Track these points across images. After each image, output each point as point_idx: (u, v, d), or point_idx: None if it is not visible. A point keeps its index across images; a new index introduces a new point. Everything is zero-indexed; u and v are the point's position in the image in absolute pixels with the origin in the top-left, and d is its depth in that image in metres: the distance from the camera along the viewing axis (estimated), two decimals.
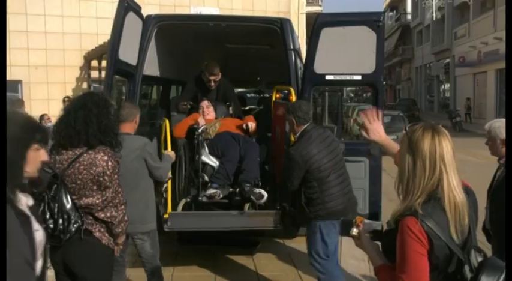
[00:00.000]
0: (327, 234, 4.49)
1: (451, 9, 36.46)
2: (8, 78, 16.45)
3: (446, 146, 2.03)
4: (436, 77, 42.47)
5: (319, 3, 26.21)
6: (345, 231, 2.33)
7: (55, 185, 3.03)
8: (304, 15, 21.56)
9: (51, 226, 2.96)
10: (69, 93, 16.43)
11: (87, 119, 3.14)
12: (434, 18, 35.06)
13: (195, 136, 5.55)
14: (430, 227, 1.94)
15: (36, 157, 2.09)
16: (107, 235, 3.22)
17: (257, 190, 5.24)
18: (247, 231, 5.49)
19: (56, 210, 2.98)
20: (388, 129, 15.50)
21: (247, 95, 11.79)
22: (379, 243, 2.27)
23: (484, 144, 3.85)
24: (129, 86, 5.65)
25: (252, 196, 5.19)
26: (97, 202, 3.14)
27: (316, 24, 5.29)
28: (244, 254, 6.32)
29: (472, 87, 32.00)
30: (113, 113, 3.29)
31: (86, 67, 17.48)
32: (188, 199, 5.46)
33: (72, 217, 3.02)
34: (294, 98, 5.37)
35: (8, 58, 16.51)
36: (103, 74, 13.79)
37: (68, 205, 3.02)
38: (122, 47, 5.08)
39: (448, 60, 38.01)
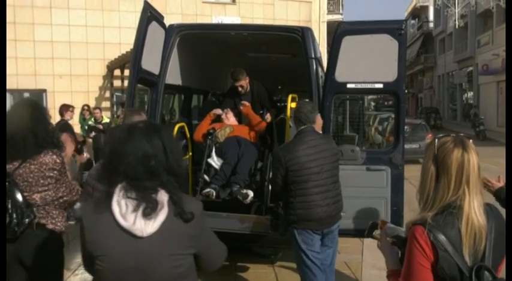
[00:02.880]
0: (303, 242, 4.40)
1: (474, 17, 36.07)
2: (33, 87, 16.80)
3: (473, 166, 1.99)
4: (459, 85, 41.97)
5: (340, 11, 26.19)
6: (370, 233, 2.38)
7: (6, 183, 3.29)
8: (325, 24, 21.57)
9: (7, 219, 3.24)
10: (92, 102, 16.71)
11: (24, 137, 3.35)
12: (457, 26, 34.66)
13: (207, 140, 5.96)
14: (437, 238, 1.91)
15: None
16: (59, 224, 3.50)
17: (244, 191, 5.39)
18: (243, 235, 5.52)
19: (9, 205, 3.25)
20: (410, 138, 15.45)
21: None
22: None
23: None
24: (151, 95, 5.71)
25: (238, 196, 5.35)
26: (50, 193, 3.41)
27: (338, 32, 5.28)
28: (265, 263, 6.30)
29: (496, 95, 31.53)
30: (48, 121, 3.52)
31: (109, 76, 17.71)
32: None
33: (24, 211, 3.29)
34: (289, 104, 5.43)
35: (34, 67, 16.86)
36: (126, 83, 13.94)
37: (20, 200, 3.30)
38: (145, 56, 5.15)
39: (471, 68, 37.56)
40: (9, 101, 16.74)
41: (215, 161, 5.81)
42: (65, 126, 9.19)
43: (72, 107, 10.25)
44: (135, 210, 1.90)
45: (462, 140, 2.04)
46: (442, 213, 1.96)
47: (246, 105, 6.16)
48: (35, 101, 3.68)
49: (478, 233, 1.94)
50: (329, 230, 4.48)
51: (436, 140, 2.07)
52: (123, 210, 1.91)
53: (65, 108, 9.69)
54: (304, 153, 4.36)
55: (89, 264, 2.02)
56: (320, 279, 4.44)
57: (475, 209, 1.95)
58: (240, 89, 6.31)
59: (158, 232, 1.92)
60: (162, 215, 1.92)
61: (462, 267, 1.91)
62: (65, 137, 3.85)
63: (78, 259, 6.10)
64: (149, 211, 1.90)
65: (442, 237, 1.91)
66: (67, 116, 9.66)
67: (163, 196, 1.95)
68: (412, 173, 8.69)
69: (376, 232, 2.33)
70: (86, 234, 1.97)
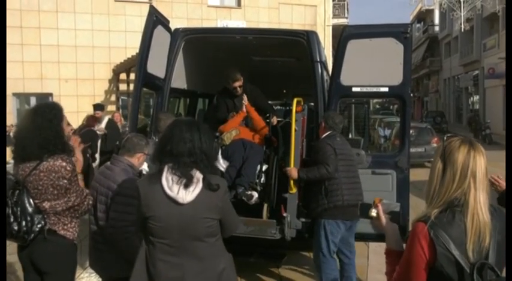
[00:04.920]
0: (331, 232, 4.87)
1: (479, 21, 35.96)
2: (39, 91, 16.88)
3: (480, 163, 2.00)
4: (465, 89, 41.83)
5: (346, 15, 26.21)
6: (364, 213, 2.41)
7: (17, 191, 3.30)
8: (331, 28, 21.56)
9: (16, 228, 3.25)
10: None
11: (30, 134, 3.37)
12: (462, 30, 34.58)
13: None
14: (437, 235, 1.93)
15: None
16: (71, 230, 3.49)
17: (248, 192, 5.48)
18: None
19: (19, 213, 3.26)
20: (415, 142, 15.31)
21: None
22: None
23: None
24: (157, 99, 5.73)
25: (243, 197, 5.43)
26: (60, 202, 3.39)
27: (343, 36, 5.29)
28: (269, 266, 6.29)
29: (502, 99, 31.37)
30: (58, 123, 3.48)
31: (115, 80, 17.76)
32: None
33: (35, 219, 3.30)
34: (294, 108, 5.41)
35: (40, 71, 16.94)
36: (131, 86, 13.99)
37: (31, 208, 3.30)
38: (150, 60, 5.16)
39: (477, 72, 37.43)
40: (16, 105, 16.85)
41: (221, 164, 5.82)
42: (92, 133, 9.39)
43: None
44: (178, 183, 2.57)
45: (470, 140, 2.07)
46: (446, 211, 1.97)
47: (248, 105, 6.20)
48: (57, 105, 3.63)
49: (483, 230, 1.94)
50: (354, 222, 4.97)
51: (445, 137, 2.12)
52: (170, 183, 2.58)
53: (93, 120, 9.90)
54: (340, 146, 4.95)
55: (141, 224, 2.68)
56: (333, 264, 5.00)
57: (480, 204, 1.96)
58: (238, 89, 6.27)
59: (195, 200, 2.58)
60: (197, 189, 2.58)
61: (463, 264, 1.91)
62: (74, 140, 3.81)
63: (83, 263, 6.11)
64: (188, 184, 2.57)
65: (442, 234, 1.92)
66: (96, 127, 9.87)
67: (198, 175, 2.61)
68: (418, 177, 8.66)
69: (372, 211, 2.37)
70: (142, 200, 2.63)
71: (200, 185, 2.60)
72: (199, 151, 2.63)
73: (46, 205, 3.36)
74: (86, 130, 9.36)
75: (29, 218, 3.27)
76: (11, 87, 15.38)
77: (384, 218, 2.33)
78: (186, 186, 2.57)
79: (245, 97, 6.26)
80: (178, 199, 2.57)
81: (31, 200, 3.32)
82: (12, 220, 3.26)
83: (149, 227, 2.63)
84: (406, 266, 2.03)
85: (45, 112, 3.44)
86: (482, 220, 1.94)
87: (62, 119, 3.53)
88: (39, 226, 3.30)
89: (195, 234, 2.62)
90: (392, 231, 2.28)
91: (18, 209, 3.26)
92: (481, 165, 2.00)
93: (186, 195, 2.57)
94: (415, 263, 1.98)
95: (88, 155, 9.14)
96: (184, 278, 2.63)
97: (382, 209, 2.36)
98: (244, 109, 6.22)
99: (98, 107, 10.78)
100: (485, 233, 1.95)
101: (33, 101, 16.88)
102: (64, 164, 3.36)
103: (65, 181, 3.35)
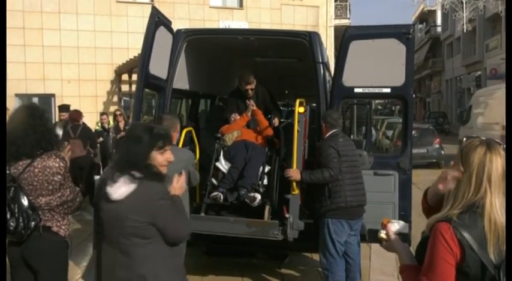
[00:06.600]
0: (335, 232, 4.91)
1: (482, 21, 35.92)
2: (42, 91, 16.91)
3: (496, 165, 1.98)
4: (467, 89, 41.76)
5: (348, 16, 26.22)
6: (373, 237, 2.38)
7: (13, 188, 3.35)
8: (333, 28, 21.57)
9: (13, 224, 3.30)
10: (100, 107, 16.81)
11: (25, 133, 3.43)
12: (465, 30, 34.53)
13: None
14: (463, 235, 1.91)
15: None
16: (64, 228, 3.56)
17: (251, 194, 5.45)
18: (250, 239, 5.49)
19: (16, 210, 3.31)
20: (418, 143, 15.21)
21: None
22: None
23: None
24: (159, 100, 5.73)
25: (246, 199, 5.40)
26: (54, 197, 3.46)
27: (345, 37, 5.29)
28: (271, 267, 6.28)
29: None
30: (48, 120, 3.61)
31: (117, 81, 17.80)
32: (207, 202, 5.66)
33: (30, 215, 3.35)
34: (296, 109, 5.38)
35: (42, 72, 16.98)
36: (133, 87, 13.99)
37: (26, 204, 3.35)
38: (153, 61, 5.16)
39: (479, 72, 37.37)
40: (18, 105, 16.91)
41: (223, 165, 5.82)
42: (86, 130, 9.29)
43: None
44: (112, 181, 2.71)
45: (489, 141, 2.05)
46: (466, 212, 1.96)
47: (255, 109, 6.17)
48: (35, 104, 3.80)
49: (501, 233, 1.93)
50: (358, 221, 5.04)
51: (465, 138, 2.11)
52: (109, 180, 2.73)
53: (78, 115, 9.70)
54: (343, 147, 4.96)
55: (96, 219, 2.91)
56: (340, 265, 5.02)
57: (496, 208, 1.95)
58: (250, 91, 6.28)
59: (123, 200, 2.68)
60: (128, 189, 2.68)
61: (488, 265, 1.90)
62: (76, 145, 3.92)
63: (84, 263, 6.12)
64: (116, 181, 2.70)
65: (467, 235, 1.91)
66: (81, 121, 9.70)
67: (134, 178, 2.70)
68: (420, 178, 8.67)
69: (381, 232, 2.34)
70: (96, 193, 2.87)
71: (132, 186, 2.70)
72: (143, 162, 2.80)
73: (41, 200, 3.43)
74: (81, 129, 9.22)
75: (25, 215, 3.33)
76: (13, 88, 15.43)
77: (393, 239, 2.29)
78: (116, 184, 2.72)
79: (252, 102, 6.24)
80: (108, 194, 2.72)
81: (25, 197, 3.37)
82: (9, 216, 3.31)
83: (100, 220, 2.85)
84: (432, 269, 1.96)
85: (34, 111, 3.55)
86: (499, 223, 1.94)
87: (49, 116, 3.66)
88: (33, 222, 3.36)
89: (120, 231, 2.74)
90: (403, 248, 2.24)
91: (16, 205, 3.32)
92: (497, 168, 1.98)
93: (114, 193, 2.70)
94: (444, 265, 1.93)
95: (92, 155, 9.11)
96: (115, 269, 2.80)
97: (390, 229, 2.32)
98: (248, 113, 6.21)
99: (63, 108, 10.23)
100: (504, 235, 1.94)
101: (35, 102, 16.91)
102: (58, 160, 3.46)
103: (59, 177, 3.45)
